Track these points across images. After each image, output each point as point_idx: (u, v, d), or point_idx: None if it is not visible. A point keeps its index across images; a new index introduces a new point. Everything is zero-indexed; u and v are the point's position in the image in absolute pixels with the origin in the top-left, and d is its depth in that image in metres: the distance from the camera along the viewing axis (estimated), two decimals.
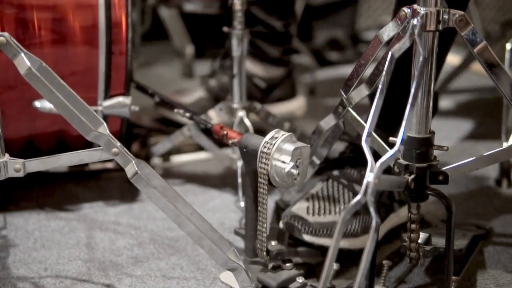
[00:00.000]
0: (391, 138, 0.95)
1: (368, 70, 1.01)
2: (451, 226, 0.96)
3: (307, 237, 1.10)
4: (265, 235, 1.04)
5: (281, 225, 1.14)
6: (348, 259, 1.09)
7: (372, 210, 0.80)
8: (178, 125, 1.48)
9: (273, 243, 1.07)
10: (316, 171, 1.19)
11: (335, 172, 1.20)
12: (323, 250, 1.09)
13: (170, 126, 1.57)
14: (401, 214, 1.20)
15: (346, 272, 1.09)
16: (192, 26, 2.35)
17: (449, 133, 1.75)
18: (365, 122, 0.92)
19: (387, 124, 1.15)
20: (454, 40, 1.19)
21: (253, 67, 1.62)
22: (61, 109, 0.94)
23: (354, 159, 1.20)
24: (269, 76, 1.64)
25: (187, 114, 1.33)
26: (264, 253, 1.05)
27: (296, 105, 1.70)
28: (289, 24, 1.68)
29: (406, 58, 0.94)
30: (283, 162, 1.00)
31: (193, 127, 1.39)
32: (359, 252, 1.09)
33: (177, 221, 0.98)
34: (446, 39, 1.02)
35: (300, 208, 1.14)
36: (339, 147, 1.27)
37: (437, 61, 0.95)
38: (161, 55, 2.40)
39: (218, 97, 1.59)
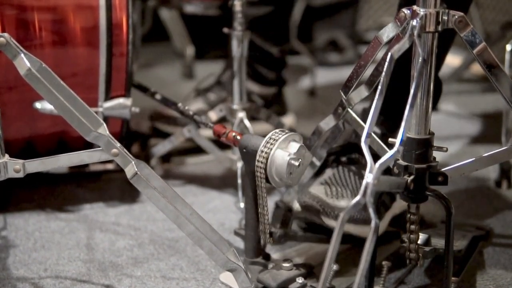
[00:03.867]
0: (390, 139, 0.95)
1: (368, 71, 1.01)
2: (450, 227, 0.96)
3: (326, 220, 1.10)
4: (267, 217, 1.04)
5: (296, 205, 1.13)
6: (358, 243, 1.07)
7: (371, 211, 0.80)
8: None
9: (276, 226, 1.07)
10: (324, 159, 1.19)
11: (343, 159, 1.21)
12: (327, 234, 1.09)
13: (164, 137, 1.57)
14: (403, 203, 1.20)
15: (345, 272, 1.09)
16: (193, 27, 2.35)
17: (448, 134, 1.75)
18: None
19: (390, 125, 1.15)
20: (453, 41, 1.19)
21: (250, 85, 1.64)
22: (61, 110, 0.95)
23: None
24: (264, 93, 1.67)
25: (190, 112, 1.33)
26: (268, 236, 1.05)
27: (288, 121, 1.71)
28: (285, 50, 1.73)
29: (406, 59, 0.94)
30: (288, 152, 1.00)
31: (193, 128, 1.39)
32: (360, 239, 1.09)
33: (177, 222, 0.99)
34: (445, 40, 1.02)
35: (318, 190, 1.14)
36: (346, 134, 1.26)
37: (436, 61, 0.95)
38: (162, 56, 2.40)
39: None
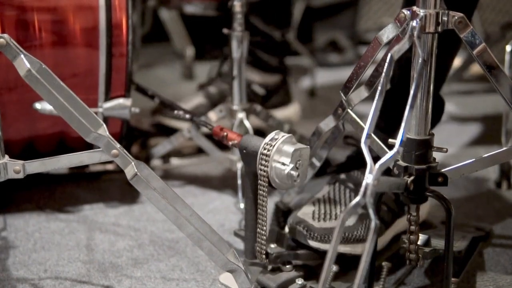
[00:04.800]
0: (390, 140, 0.95)
1: (368, 72, 1.01)
2: (450, 228, 0.96)
3: (312, 243, 1.09)
4: (264, 237, 1.04)
5: (286, 229, 1.14)
6: (353, 264, 1.07)
7: (371, 211, 0.80)
8: (175, 131, 1.49)
9: (272, 245, 1.07)
10: (323, 175, 1.18)
11: (342, 176, 1.20)
12: (324, 253, 1.09)
13: (166, 133, 1.57)
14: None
15: (345, 274, 1.09)
16: (193, 28, 2.35)
17: (448, 134, 1.75)
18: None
19: (388, 126, 1.15)
20: (459, 43, 1.18)
21: (251, 74, 1.63)
22: (60, 110, 0.95)
23: (362, 163, 1.20)
24: (266, 83, 1.66)
25: (187, 116, 1.33)
26: (263, 256, 1.05)
27: (292, 110, 1.71)
28: (287, 33, 1.71)
29: (407, 60, 0.94)
30: (283, 164, 1.00)
31: (193, 128, 1.39)
32: (353, 258, 1.09)
33: (176, 222, 0.98)
34: (450, 42, 1.02)
35: (305, 213, 1.13)
36: (346, 151, 1.26)
37: (442, 65, 0.94)
38: (162, 57, 2.40)
39: (217, 103, 1.60)
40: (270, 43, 1.66)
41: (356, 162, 1.21)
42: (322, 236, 1.09)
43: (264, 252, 1.05)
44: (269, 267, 1.07)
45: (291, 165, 0.99)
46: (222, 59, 1.66)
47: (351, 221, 1.11)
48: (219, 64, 1.67)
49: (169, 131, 1.55)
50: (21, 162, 0.97)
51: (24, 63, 0.92)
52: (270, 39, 1.66)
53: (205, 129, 1.30)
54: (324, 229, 1.09)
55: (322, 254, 1.09)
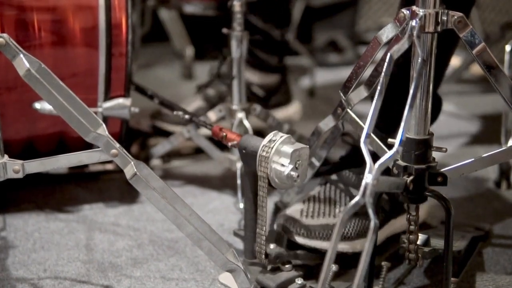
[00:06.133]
0: (389, 140, 0.95)
1: (368, 72, 1.01)
2: (450, 228, 0.96)
3: (299, 239, 1.10)
4: (264, 237, 1.04)
5: (275, 227, 1.14)
6: (341, 263, 1.06)
7: (370, 211, 0.80)
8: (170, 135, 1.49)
9: (271, 246, 1.07)
10: (315, 174, 1.18)
11: (333, 176, 1.20)
12: (321, 253, 1.09)
13: (164, 135, 1.57)
14: (402, 221, 1.19)
15: (344, 273, 1.09)
16: (192, 28, 2.35)
17: (448, 134, 1.75)
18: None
19: (386, 126, 1.15)
20: (457, 42, 1.18)
21: (250, 75, 1.62)
22: (60, 110, 0.95)
23: (354, 163, 1.20)
24: (266, 83, 1.65)
25: (187, 116, 1.33)
26: (263, 256, 1.05)
27: (292, 110, 1.71)
28: (286, 32, 1.70)
29: (407, 60, 0.94)
30: (282, 165, 1.00)
31: (192, 128, 1.39)
32: (353, 255, 1.09)
33: (176, 222, 0.98)
34: (448, 41, 1.02)
35: (294, 210, 1.14)
36: (340, 151, 1.26)
37: (440, 63, 0.95)
38: (161, 57, 2.40)
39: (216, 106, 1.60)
40: (269, 42, 1.65)
41: (348, 162, 1.21)
42: (308, 232, 1.09)
43: (264, 252, 1.05)
44: (269, 267, 1.07)
45: (290, 166, 0.99)
46: (221, 60, 1.66)
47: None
48: (218, 65, 1.67)
49: (168, 134, 1.55)
50: (20, 161, 0.97)
51: (23, 63, 0.92)
52: (269, 38, 1.65)
53: (206, 131, 1.30)
54: (312, 226, 1.10)
55: (321, 254, 1.09)
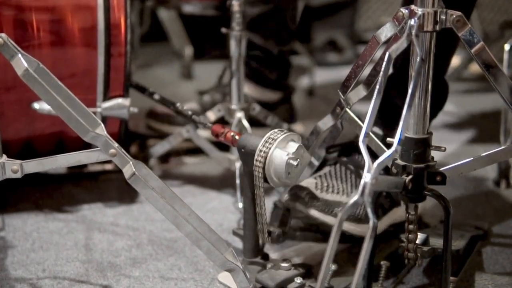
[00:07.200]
0: (388, 139, 0.95)
1: (366, 71, 1.01)
2: (449, 227, 0.96)
3: (312, 211, 1.09)
4: (265, 217, 1.04)
5: (285, 197, 1.13)
6: (350, 242, 1.06)
7: (369, 210, 0.80)
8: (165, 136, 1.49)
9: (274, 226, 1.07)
10: (324, 158, 1.18)
11: (343, 158, 1.21)
12: (325, 234, 1.08)
13: (160, 137, 1.56)
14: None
15: (344, 272, 1.09)
16: (191, 27, 2.35)
17: (447, 133, 1.75)
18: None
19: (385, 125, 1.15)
20: (458, 41, 1.18)
21: (249, 90, 1.60)
22: (58, 110, 0.94)
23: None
24: (264, 99, 1.61)
25: (187, 113, 1.33)
26: (266, 235, 1.05)
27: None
28: (286, 49, 1.67)
29: (407, 59, 0.94)
30: (286, 152, 1.00)
31: (191, 128, 1.39)
32: (360, 238, 1.09)
33: (175, 222, 0.98)
34: (448, 40, 1.02)
35: (308, 182, 1.13)
36: (350, 135, 1.26)
37: (440, 62, 0.94)
38: (160, 57, 2.40)
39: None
40: (268, 57, 1.63)
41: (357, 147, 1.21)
42: (323, 206, 1.09)
43: (266, 231, 1.04)
44: (268, 265, 1.07)
45: (293, 156, 0.99)
46: (224, 69, 1.65)
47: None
48: (221, 74, 1.66)
49: (164, 135, 1.54)
50: (19, 161, 0.97)
51: (21, 63, 0.92)
52: (268, 54, 1.63)
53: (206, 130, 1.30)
54: (326, 200, 1.10)
55: (324, 235, 1.08)
